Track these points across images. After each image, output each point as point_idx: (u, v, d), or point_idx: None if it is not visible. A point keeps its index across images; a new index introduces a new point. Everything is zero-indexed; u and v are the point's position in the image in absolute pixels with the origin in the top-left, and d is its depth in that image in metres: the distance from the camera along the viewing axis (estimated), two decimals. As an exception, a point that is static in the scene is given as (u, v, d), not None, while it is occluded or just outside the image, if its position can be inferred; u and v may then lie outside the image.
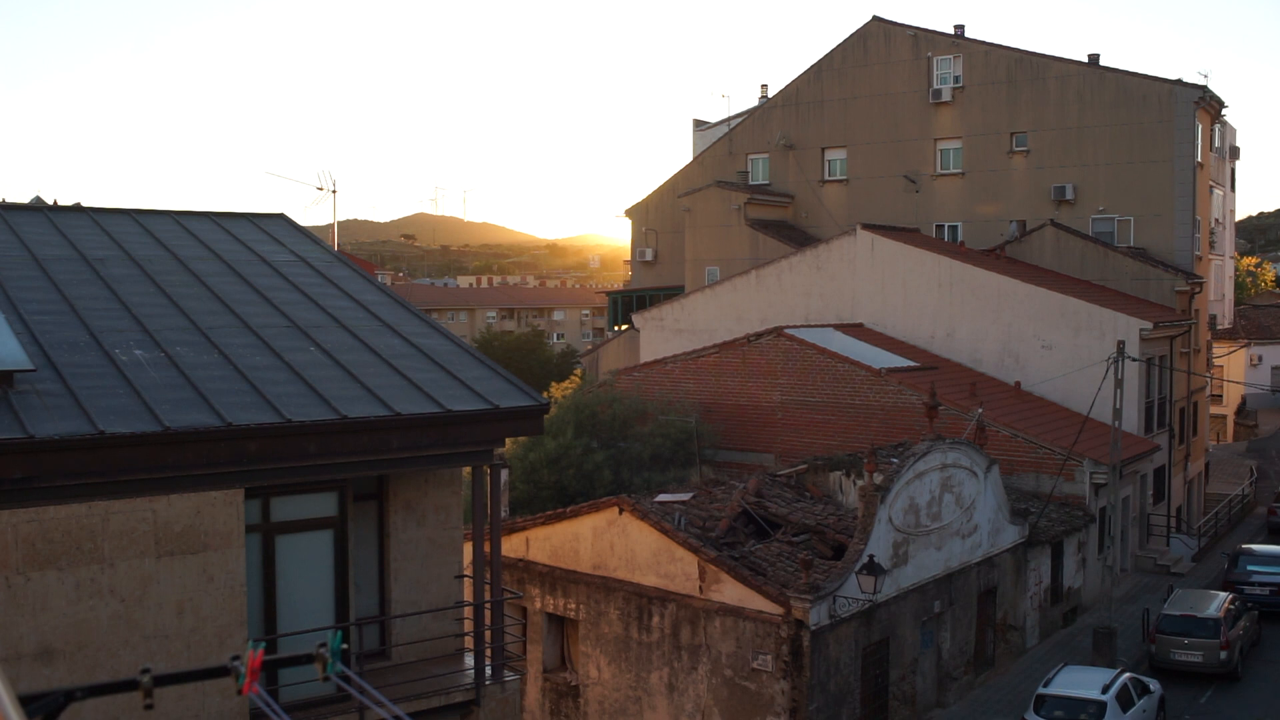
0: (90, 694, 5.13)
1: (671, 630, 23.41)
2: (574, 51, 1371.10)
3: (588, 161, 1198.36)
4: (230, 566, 12.84)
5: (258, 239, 19.61)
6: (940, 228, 49.34)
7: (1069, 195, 46.09)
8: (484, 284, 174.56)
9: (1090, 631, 30.28)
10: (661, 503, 25.60)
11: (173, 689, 12.16)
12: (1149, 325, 37.72)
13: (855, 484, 26.74)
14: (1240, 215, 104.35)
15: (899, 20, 50.82)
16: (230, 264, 18.00)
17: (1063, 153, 46.56)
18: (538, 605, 25.62)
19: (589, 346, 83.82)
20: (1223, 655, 28.19)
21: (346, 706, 13.28)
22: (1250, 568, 34.68)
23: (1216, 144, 49.94)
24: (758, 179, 54.23)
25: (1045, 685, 24.23)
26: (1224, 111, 49.70)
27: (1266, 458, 62.10)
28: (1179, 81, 44.83)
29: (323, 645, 5.34)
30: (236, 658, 5.21)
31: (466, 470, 15.82)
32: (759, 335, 37.83)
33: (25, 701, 4.82)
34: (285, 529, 13.96)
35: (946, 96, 48.75)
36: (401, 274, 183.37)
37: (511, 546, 25.26)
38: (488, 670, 14.98)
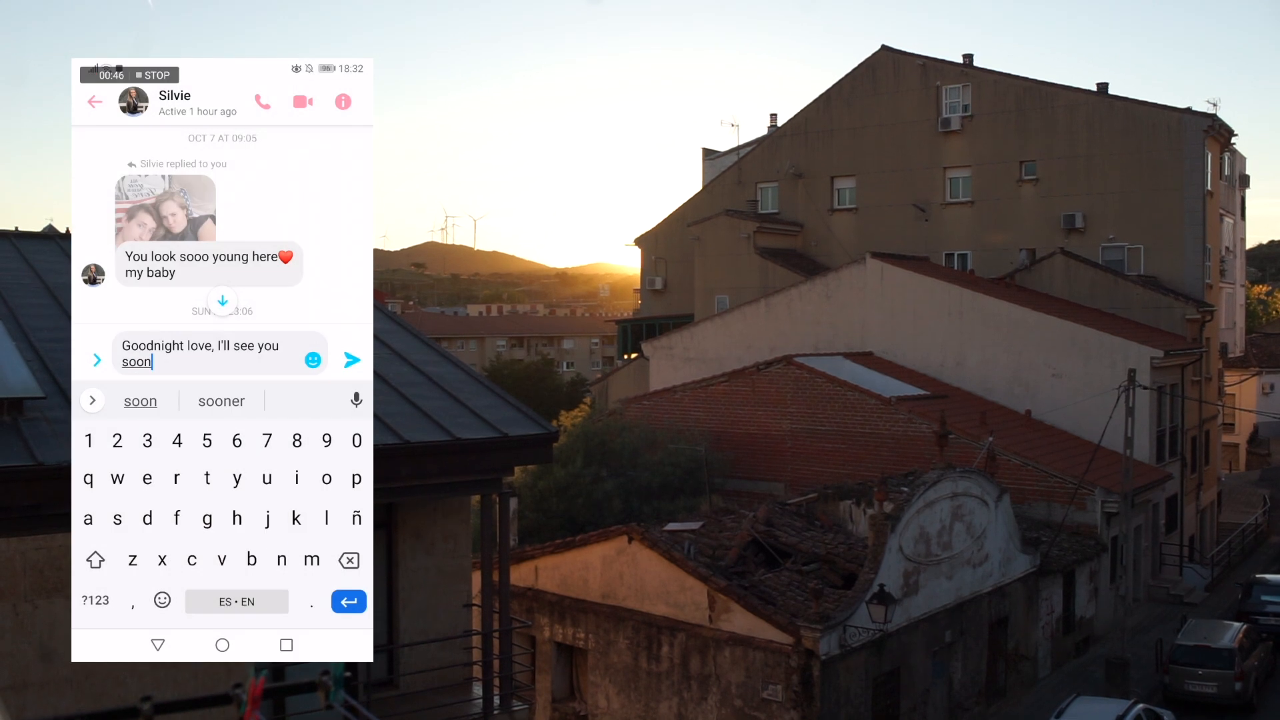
0: (91, 722, 5.09)
1: (681, 660, 23.28)
2: (584, 80, 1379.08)
3: (598, 190, 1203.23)
4: (237, 595, 12.79)
5: (268, 267, 19.66)
6: (950, 256, 49.36)
7: (1079, 224, 46.09)
8: (494, 312, 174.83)
9: (1103, 662, 30.04)
10: (671, 532, 25.52)
11: (179, 718, 12.08)
12: (1160, 354, 37.62)
13: (865, 513, 26.63)
14: (1250, 243, 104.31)
15: (908, 50, 51.03)
16: (240, 292, 18.03)
17: (1072, 181, 46.60)
18: (547, 634, 25.52)
19: (598, 375, 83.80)
20: (1237, 686, 27.94)
21: (353, 736, 13.18)
22: (1264, 598, 34.37)
23: (1226, 172, 49.97)
24: (767, 208, 54.35)
25: (1057, 716, 24.00)
26: (1233, 140, 49.76)
27: (1279, 486, 61.67)
28: (1188, 110, 44.91)
29: (326, 673, 5.30)
30: (239, 685, 5.18)
31: (475, 498, 15.78)
32: (768, 364, 37.80)
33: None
34: (293, 557, 13.89)
35: (955, 125, 48.88)
36: (411, 302, 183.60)
37: (520, 575, 25.19)
38: (496, 700, 14.88)
